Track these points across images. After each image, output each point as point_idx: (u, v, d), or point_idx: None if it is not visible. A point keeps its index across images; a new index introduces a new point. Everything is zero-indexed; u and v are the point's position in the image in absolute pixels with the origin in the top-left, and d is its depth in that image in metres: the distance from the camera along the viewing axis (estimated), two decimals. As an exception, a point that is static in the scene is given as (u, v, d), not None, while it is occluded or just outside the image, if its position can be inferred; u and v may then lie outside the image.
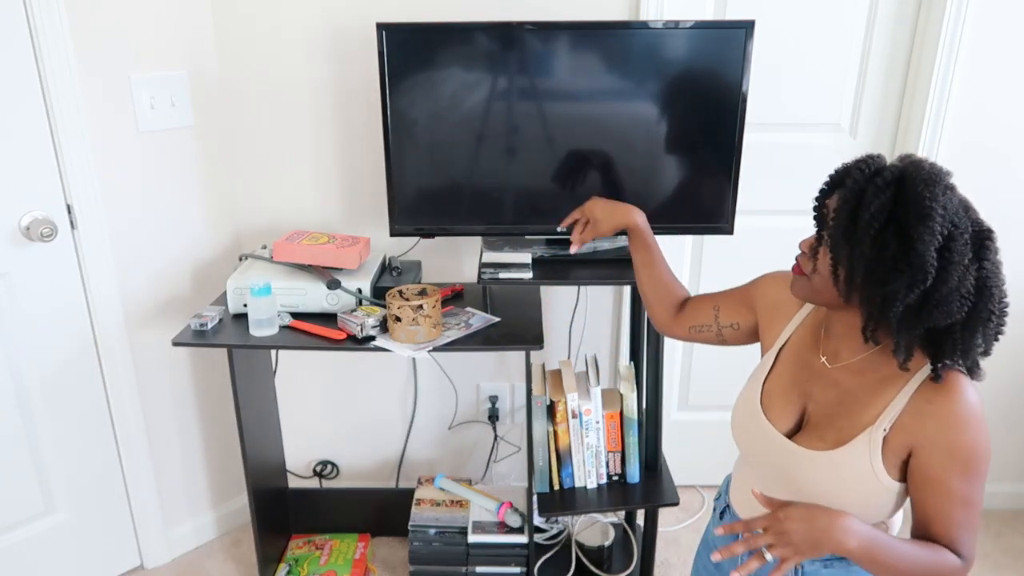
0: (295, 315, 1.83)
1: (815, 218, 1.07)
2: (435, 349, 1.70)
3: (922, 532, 1.06)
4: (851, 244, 0.99)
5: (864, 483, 1.05)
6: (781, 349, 1.21)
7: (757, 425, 1.17)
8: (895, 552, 1.00)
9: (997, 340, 1.02)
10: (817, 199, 1.07)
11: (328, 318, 1.81)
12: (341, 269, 1.86)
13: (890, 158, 1.04)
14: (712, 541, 1.32)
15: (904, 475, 1.06)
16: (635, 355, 2.07)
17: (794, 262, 1.11)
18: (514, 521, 2.06)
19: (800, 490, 1.11)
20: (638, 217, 1.50)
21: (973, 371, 1.04)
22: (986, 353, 1.03)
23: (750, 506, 1.21)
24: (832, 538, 0.98)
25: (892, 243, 0.96)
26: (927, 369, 1.03)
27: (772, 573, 0.99)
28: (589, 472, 1.93)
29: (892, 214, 0.96)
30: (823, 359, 1.14)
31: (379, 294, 1.85)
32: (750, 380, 1.23)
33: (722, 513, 1.30)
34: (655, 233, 1.85)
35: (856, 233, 0.98)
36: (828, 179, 1.06)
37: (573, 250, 1.60)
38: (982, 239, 0.99)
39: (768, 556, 1.01)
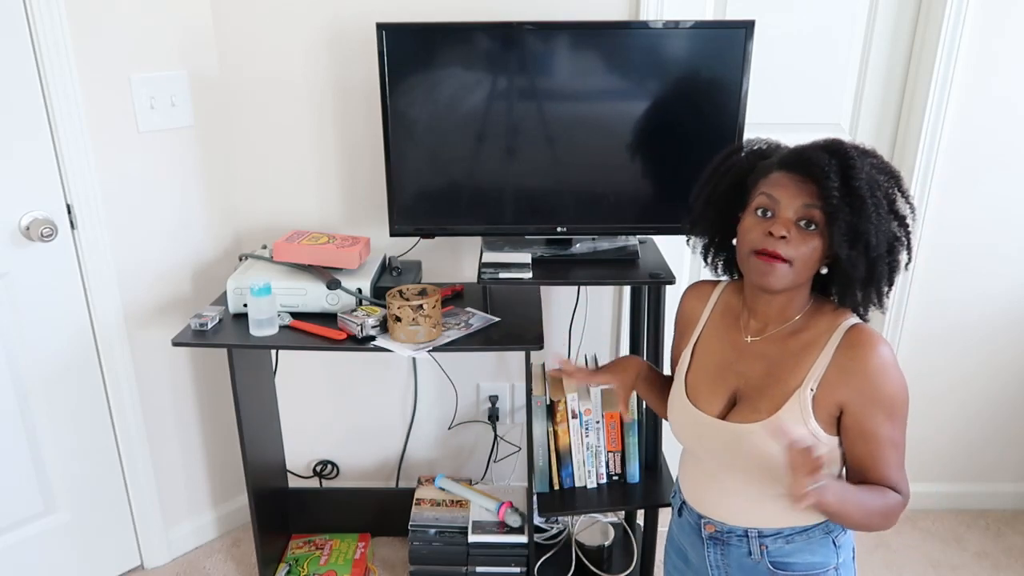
0: (295, 315, 1.83)
1: (829, 205, 1.04)
2: (435, 349, 1.70)
3: (859, 479, 1.13)
4: (876, 224, 1.05)
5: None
6: (696, 343, 1.27)
7: (688, 416, 1.22)
8: (858, 499, 1.07)
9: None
10: (828, 189, 1.04)
11: (328, 318, 1.81)
12: (341, 269, 1.86)
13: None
14: (677, 538, 1.36)
15: (837, 430, 1.12)
16: (635, 355, 2.07)
17: (766, 253, 1.09)
18: (514, 521, 2.06)
19: (746, 465, 1.15)
20: (639, 372, 1.40)
21: (879, 305, 1.14)
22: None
23: (701, 499, 1.26)
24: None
25: (891, 213, 1.08)
26: (843, 328, 1.12)
27: (803, 500, 0.97)
28: (589, 472, 1.93)
29: (884, 189, 1.09)
30: (748, 338, 1.20)
31: (379, 294, 1.85)
32: (675, 380, 1.29)
33: (680, 510, 1.33)
34: (655, 234, 1.87)
35: (878, 212, 1.05)
36: (821, 169, 1.05)
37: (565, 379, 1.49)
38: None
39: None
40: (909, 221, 1.11)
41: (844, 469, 1.17)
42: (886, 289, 1.12)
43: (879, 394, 1.08)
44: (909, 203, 1.11)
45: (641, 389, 1.41)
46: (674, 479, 1.99)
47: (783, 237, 1.07)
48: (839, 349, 1.10)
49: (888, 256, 1.09)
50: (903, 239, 1.10)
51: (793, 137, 1.20)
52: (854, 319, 1.14)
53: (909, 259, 1.12)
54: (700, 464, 1.25)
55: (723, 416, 1.18)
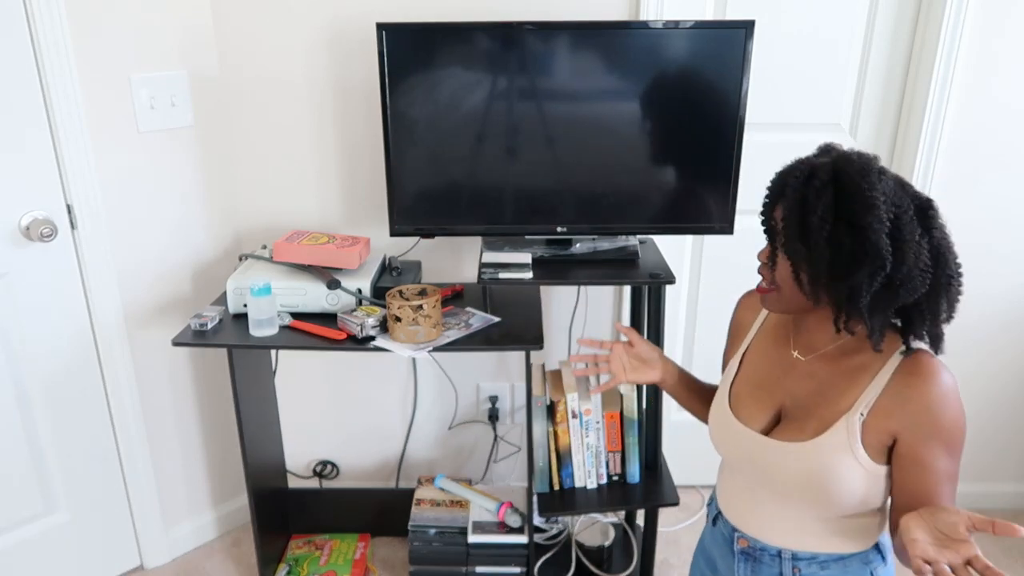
0: (295, 315, 1.83)
1: (765, 232, 1.07)
2: (435, 349, 1.70)
3: (909, 512, 1.04)
4: (808, 248, 1.01)
5: (846, 468, 1.06)
6: (744, 353, 1.24)
7: (729, 427, 1.19)
8: None
9: (958, 302, 1.06)
10: (763, 213, 1.07)
11: (328, 318, 1.81)
12: (341, 269, 1.86)
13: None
14: (708, 547, 1.33)
15: (888, 459, 1.07)
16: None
17: (760, 283, 1.12)
18: (514, 521, 2.06)
19: (785, 484, 1.11)
20: (664, 374, 1.37)
21: (938, 342, 1.06)
22: (950, 317, 1.06)
23: (737, 512, 1.22)
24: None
25: (846, 239, 0.98)
26: (901, 353, 1.06)
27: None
28: (589, 472, 1.93)
29: (838, 211, 0.99)
30: (795, 353, 1.16)
31: (379, 294, 1.85)
32: (719, 388, 1.26)
33: (715, 520, 1.30)
34: (655, 234, 1.87)
35: (810, 237, 1.00)
36: (767, 192, 1.06)
37: (593, 393, 1.47)
38: (925, 210, 1.02)
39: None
40: (880, 245, 0.97)
41: (889, 500, 1.10)
42: (867, 315, 1.01)
43: (938, 425, 1.01)
44: (877, 215, 0.96)
45: (681, 394, 1.37)
46: (675, 480, 2.00)
47: (764, 264, 1.08)
48: (896, 375, 1.04)
49: (848, 279, 0.99)
50: (868, 260, 0.98)
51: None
52: (915, 343, 1.06)
53: (895, 280, 0.99)
54: (738, 477, 1.22)
55: (766, 432, 1.15)
